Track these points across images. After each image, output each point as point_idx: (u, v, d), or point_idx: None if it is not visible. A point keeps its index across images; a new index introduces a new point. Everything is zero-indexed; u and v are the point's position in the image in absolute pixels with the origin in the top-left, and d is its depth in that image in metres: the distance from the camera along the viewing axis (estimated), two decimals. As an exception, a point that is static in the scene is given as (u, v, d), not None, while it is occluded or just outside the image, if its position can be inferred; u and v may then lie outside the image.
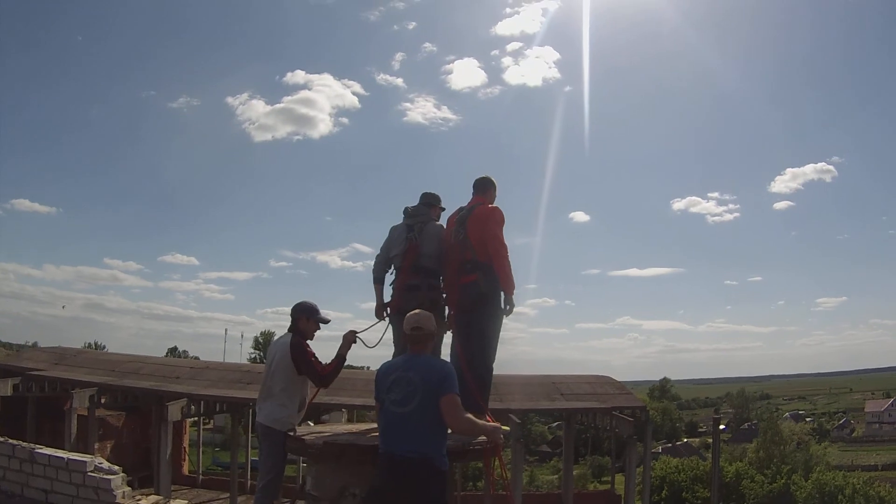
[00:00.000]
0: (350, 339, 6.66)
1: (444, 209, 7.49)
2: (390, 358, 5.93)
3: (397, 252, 7.03)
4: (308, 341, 6.64)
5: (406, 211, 7.28)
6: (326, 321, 6.80)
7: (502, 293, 6.83)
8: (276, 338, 7.16)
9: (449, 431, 5.05)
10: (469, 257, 6.77)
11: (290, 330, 6.68)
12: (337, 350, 6.61)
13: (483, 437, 5.61)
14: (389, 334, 7.05)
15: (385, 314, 7.07)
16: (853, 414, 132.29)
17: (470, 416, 5.28)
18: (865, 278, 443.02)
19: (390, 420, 4.96)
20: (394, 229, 7.25)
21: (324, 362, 6.54)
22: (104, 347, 75.16)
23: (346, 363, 6.76)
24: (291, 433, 6.35)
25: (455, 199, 7.52)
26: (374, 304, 7.19)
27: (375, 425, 5.83)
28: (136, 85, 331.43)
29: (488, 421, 6.02)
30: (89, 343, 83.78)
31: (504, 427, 6.21)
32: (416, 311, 5.33)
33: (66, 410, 18.69)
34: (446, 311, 7.00)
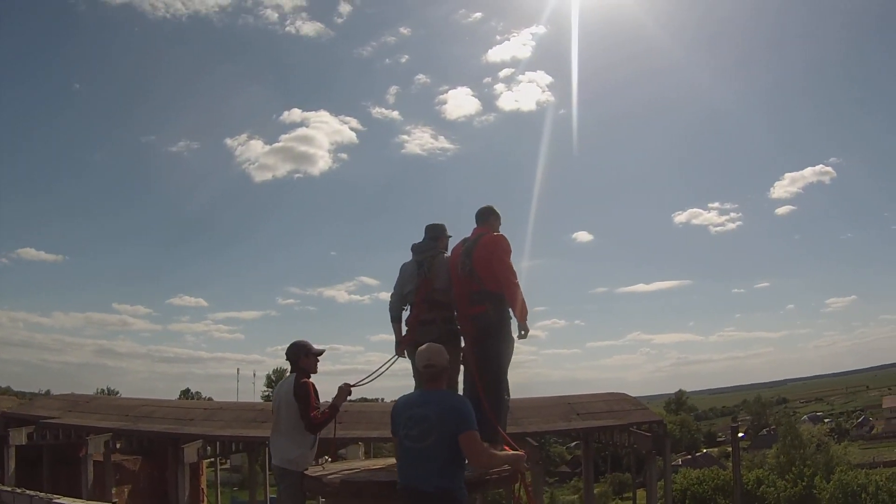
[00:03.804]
0: (345, 390, 6.78)
1: (450, 237, 7.50)
2: (411, 390, 5.95)
3: (411, 289, 7.08)
4: (313, 376, 6.76)
5: (414, 248, 7.30)
6: (321, 352, 6.90)
7: (513, 320, 6.82)
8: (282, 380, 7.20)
9: (466, 462, 5.03)
10: (477, 288, 6.77)
11: (292, 371, 6.76)
12: (331, 401, 6.74)
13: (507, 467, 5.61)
14: (391, 370, 7.16)
15: (404, 351, 7.10)
16: (871, 411, 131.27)
17: (490, 450, 5.27)
18: (873, 275, 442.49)
19: (408, 454, 4.95)
20: (405, 266, 7.30)
21: (324, 401, 6.68)
22: (117, 392, 74.94)
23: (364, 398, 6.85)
24: (307, 472, 6.34)
25: (459, 226, 7.56)
26: (385, 337, 7.28)
27: (393, 461, 5.82)
28: (136, 130, 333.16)
29: (507, 450, 6.01)
30: (102, 389, 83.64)
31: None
32: (426, 346, 5.31)
33: (81, 457, 18.67)
34: (461, 342, 7.00)
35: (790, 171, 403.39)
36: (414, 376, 6.91)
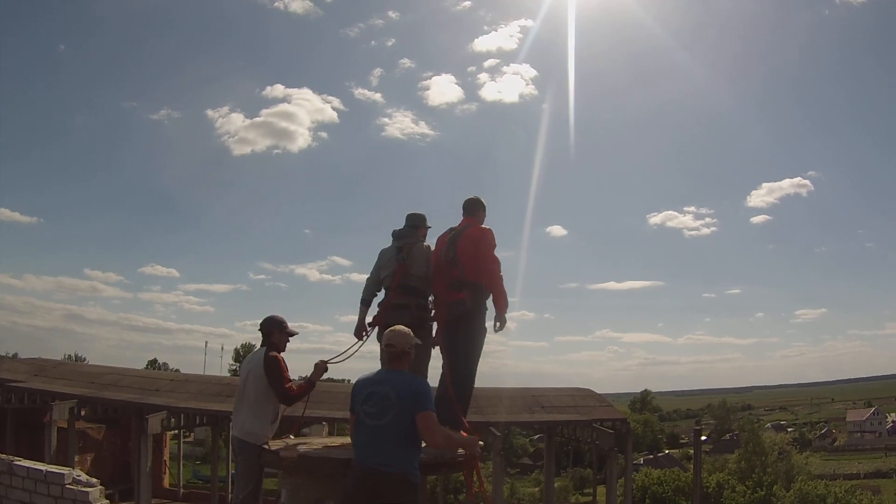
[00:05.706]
0: (322, 367, 6.85)
1: (430, 227, 7.62)
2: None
3: (387, 273, 7.18)
4: (282, 353, 6.80)
5: (394, 234, 7.43)
6: (295, 333, 6.98)
7: (488, 310, 6.92)
8: (252, 353, 7.24)
9: (423, 445, 5.13)
10: (457, 276, 6.86)
11: (263, 345, 6.81)
12: (308, 377, 6.83)
13: (462, 450, 5.70)
14: (362, 352, 7.24)
15: (365, 334, 7.22)
16: (835, 424, 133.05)
17: (447, 430, 5.37)
18: (844, 290, 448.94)
19: (365, 432, 5.00)
20: (383, 252, 7.40)
21: (294, 378, 6.74)
22: (84, 359, 74.37)
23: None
24: (266, 446, 6.42)
25: (434, 211, 7.65)
26: (355, 319, 7.31)
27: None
28: (119, 96, 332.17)
29: (464, 434, 6.12)
30: (69, 355, 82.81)
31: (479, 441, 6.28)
32: (392, 328, 5.39)
33: (45, 422, 18.59)
34: (433, 329, 7.11)
35: (768, 182, 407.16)
36: (380, 358, 7.05)
